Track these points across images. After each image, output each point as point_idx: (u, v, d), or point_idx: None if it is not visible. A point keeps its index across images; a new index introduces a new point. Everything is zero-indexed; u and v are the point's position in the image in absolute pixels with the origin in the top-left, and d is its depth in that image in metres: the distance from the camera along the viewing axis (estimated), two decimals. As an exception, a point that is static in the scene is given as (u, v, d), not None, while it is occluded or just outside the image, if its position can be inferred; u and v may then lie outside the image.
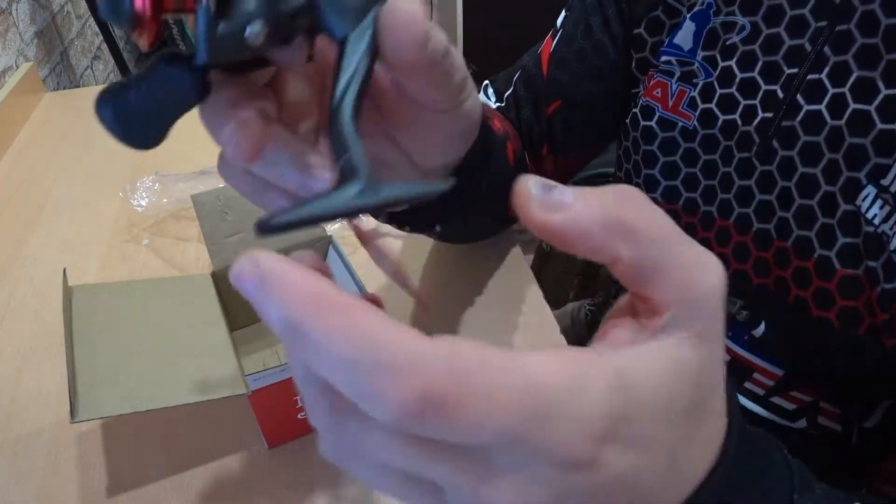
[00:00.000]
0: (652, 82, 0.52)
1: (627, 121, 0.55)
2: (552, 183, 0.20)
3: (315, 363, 0.16)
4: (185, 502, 0.44)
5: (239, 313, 0.53)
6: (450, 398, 0.16)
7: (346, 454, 0.19)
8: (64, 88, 1.18)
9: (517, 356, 0.17)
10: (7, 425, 0.49)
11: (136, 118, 0.19)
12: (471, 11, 2.33)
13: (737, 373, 0.52)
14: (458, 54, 0.28)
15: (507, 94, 0.61)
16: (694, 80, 0.49)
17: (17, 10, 1.04)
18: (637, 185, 0.55)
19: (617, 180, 0.59)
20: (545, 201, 0.19)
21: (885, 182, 0.39)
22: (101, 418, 0.48)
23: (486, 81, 0.64)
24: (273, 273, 0.17)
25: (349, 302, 0.16)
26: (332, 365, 0.16)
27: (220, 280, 0.50)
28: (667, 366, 0.19)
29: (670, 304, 0.19)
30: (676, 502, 0.21)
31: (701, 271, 0.19)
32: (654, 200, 0.53)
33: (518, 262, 0.63)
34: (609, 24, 0.56)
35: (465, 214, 0.45)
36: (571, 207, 0.19)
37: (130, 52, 1.67)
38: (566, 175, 0.64)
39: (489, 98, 0.63)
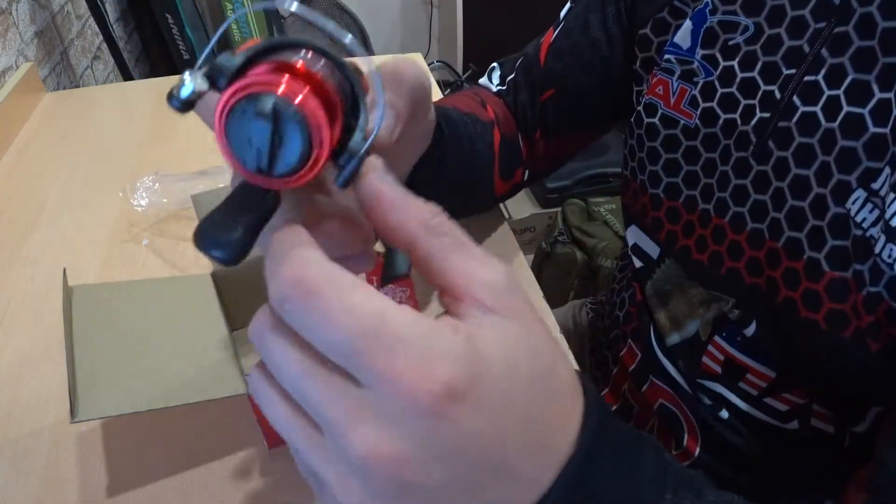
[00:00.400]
0: (654, 80, 0.52)
1: (632, 119, 0.56)
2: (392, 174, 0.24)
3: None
4: (185, 502, 0.44)
5: (239, 313, 0.53)
6: (314, 287, 0.20)
7: (261, 379, 0.23)
8: (64, 88, 1.18)
9: (384, 298, 0.21)
10: (7, 425, 0.49)
11: (235, 241, 0.22)
12: (471, 11, 2.33)
13: (730, 373, 0.52)
14: (422, 77, 0.34)
15: (508, 78, 0.64)
16: (694, 79, 0.49)
17: (17, 10, 1.04)
18: (642, 181, 0.55)
19: (623, 178, 0.59)
20: (383, 175, 0.24)
21: (874, 186, 0.39)
22: (101, 418, 0.48)
23: (494, 64, 0.67)
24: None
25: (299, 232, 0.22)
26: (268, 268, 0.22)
27: (220, 280, 0.50)
28: (504, 335, 0.22)
29: (468, 288, 0.22)
30: (539, 485, 0.22)
31: (484, 262, 0.23)
32: (657, 197, 0.54)
33: (518, 262, 0.63)
34: (607, 22, 0.57)
35: (436, 198, 0.49)
36: (401, 190, 0.24)
37: (130, 52, 1.67)
38: (557, 158, 0.67)
39: (491, 81, 0.66)
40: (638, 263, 0.60)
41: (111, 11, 1.52)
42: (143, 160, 0.81)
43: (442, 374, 0.19)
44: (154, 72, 1.83)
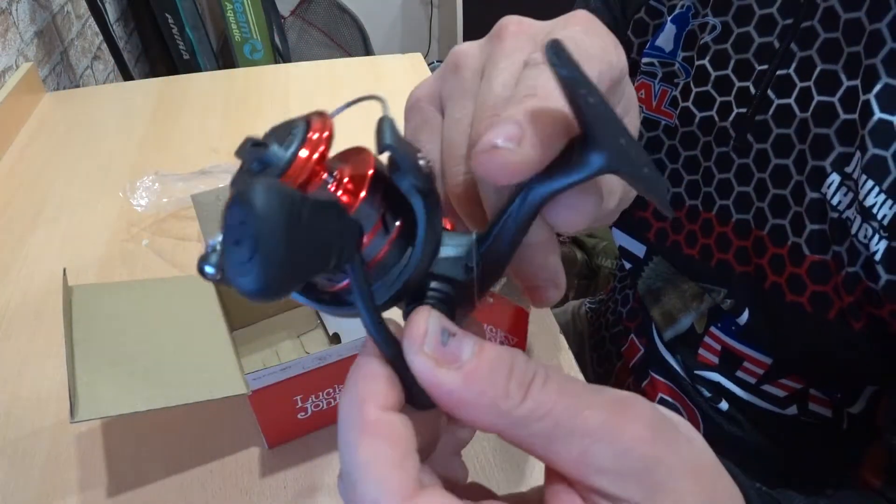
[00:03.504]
0: (636, 84, 0.53)
1: None
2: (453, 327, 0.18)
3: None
4: (185, 502, 0.44)
5: (239, 313, 0.53)
6: None
7: None
8: (64, 88, 1.18)
9: None
10: (7, 425, 0.49)
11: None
12: (471, 11, 2.33)
13: (728, 362, 0.54)
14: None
15: None
16: (675, 81, 0.51)
17: (17, 10, 1.04)
18: None
19: None
20: (438, 351, 0.18)
21: (848, 170, 0.40)
22: (101, 418, 0.48)
23: None
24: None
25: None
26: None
27: (220, 280, 0.50)
28: None
29: (585, 478, 0.18)
30: None
31: (604, 428, 0.18)
32: (641, 198, 0.54)
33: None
34: (618, 25, 0.57)
35: None
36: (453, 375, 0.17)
37: (130, 52, 1.67)
38: None
39: None
40: (627, 265, 0.61)
41: (111, 11, 1.53)
42: (143, 160, 0.81)
43: None
44: (154, 72, 1.83)
